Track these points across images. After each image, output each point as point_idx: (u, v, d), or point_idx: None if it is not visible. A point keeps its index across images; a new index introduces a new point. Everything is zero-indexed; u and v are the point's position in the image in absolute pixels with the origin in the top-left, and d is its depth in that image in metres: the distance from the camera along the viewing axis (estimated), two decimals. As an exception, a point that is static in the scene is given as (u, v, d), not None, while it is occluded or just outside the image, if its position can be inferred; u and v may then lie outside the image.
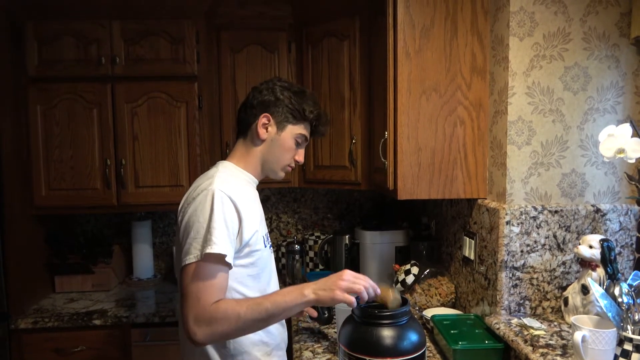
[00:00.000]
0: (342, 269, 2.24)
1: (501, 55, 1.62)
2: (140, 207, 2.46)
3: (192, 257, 1.19)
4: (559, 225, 1.60)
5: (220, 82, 2.48)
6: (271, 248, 1.47)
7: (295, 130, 1.42)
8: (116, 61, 2.31)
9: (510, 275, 1.59)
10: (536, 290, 1.61)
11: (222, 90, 2.48)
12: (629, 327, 1.23)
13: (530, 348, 1.36)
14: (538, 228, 1.59)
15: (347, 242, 2.45)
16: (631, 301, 1.24)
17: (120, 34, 2.31)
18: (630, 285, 1.28)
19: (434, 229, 2.30)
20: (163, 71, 2.34)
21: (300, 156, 1.46)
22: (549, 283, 1.61)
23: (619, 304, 1.27)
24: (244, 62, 2.47)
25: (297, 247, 2.66)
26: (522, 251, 1.59)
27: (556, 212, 1.59)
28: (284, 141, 1.41)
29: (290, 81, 1.52)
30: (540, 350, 1.35)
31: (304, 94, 1.43)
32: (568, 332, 1.47)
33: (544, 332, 1.46)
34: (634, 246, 1.62)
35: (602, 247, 1.44)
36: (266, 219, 1.53)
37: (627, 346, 1.21)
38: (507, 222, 1.57)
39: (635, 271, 1.34)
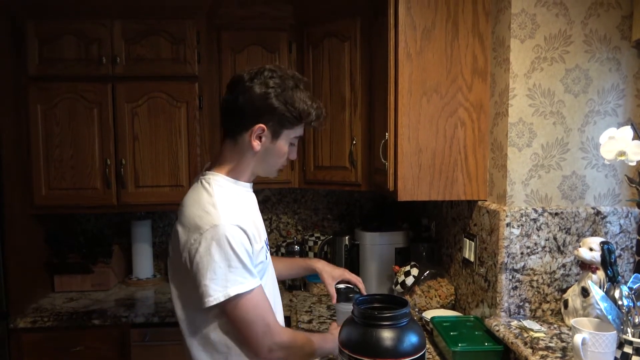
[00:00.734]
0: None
1: (502, 57, 1.62)
2: (140, 206, 2.46)
3: (212, 300, 1.17)
4: (559, 227, 1.59)
5: (221, 83, 2.48)
6: (269, 252, 1.43)
7: (291, 134, 1.32)
8: (117, 61, 2.31)
9: (510, 277, 1.59)
10: (536, 293, 1.61)
11: (223, 90, 2.44)
12: (629, 329, 1.23)
13: (530, 350, 1.36)
14: (538, 230, 1.59)
15: (347, 243, 2.45)
16: (631, 304, 1.24)
17: (121, 33, 2.31)
18: (630, 288, 1.28)
19: (434, 231, 2.30)
20: (164, 71, 2.34)
21: (293, 155, 1.37)
22: (549, 285, 1.61)
23: (619, 307, 1.27)
24: (245, 63, 2.47)
25: (296, 247, 2.66)
26: (522, 253, 1.59)
27: (556, 214, 1.59)
28: (279, 149, 1.31)
29: (282, 69, 1.30)
30: (540, 352, 1.35)
31: (298, 89, 1.28)
32: (568, 334, 1.47)
33: (544, 335, 1.46)
34: (634, 249, 1.62)
35: (602, 249, 1.43)
36: (266, 220, 1.51)
37: (627, 349, 1.20)
38: (508, 224, 1.57)
39: (635, 274, 1.34)
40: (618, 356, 1.22)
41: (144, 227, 2.68)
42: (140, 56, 2.33)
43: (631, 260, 1.62)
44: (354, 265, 2.37)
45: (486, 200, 1.75)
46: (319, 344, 1.35)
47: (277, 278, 1.49)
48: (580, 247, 1.49)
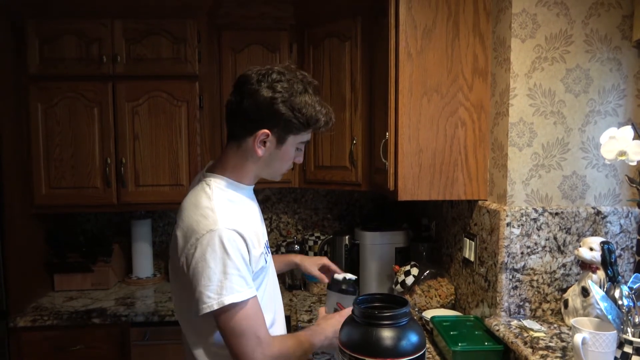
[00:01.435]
0: (342, 269, 2.23)
1: (503, 56, 1.62)
2: (140, 206, 2.46)
3: (206, 307, 1.13)
4: (560, 227, 1.59)
5: (222, 82, 2.48)
6: (269, 254, 1.40)
7: (297, 140, 1.27)
8: (117, 60, 2.31)
9: (511, 277, 1.59)
10: (536, 292, 1.61)
11: (223, 90, 2.48)
12: (629, 329, 1.23)
13: (530, 350, 1.36)
14: (538, 230, 1.59)
15: (347, 242, 2.45)
16: (631, 304, 1.24)
17: (121, 33, 2.31)
18: (630, 288, 1.28)
19: (434, 230, 2.30)
20: (164, 70, 2.34)
21: (299, 158, 1.34)
22: (549, 285, 1.61)
23: (619, 307, 1.27)
24: (246, 62, 2.47)
25: (296, 247, 2.66)
26: (522, 253, 1.59)
27: (557, 214, 1.59)
28: (284, 153, 1.27)
29: (290, 71, 1.24)
30: (540, 352, 1.35)
31: (306, 94, 1.23)
32: (568, 334, 1.47)
33: (544, 334, 1.46)
34: (634, 249, 1.62)
35: (602, 249, 1.43)
36: (266, 219, 1.50)
37: (627, 349, 1.20)
38: (508, 224, 1.57)
39: (635, 274, 1.34)
40: (618, 356, 1.22)
41: (144, 227, 2.68)
42: (140, 55, 2.33)
43: (631, 260, 1.62)
44: (354, 265, 2.36)
45: (486, 200, 1.75)
46: (310, 341, 1.29)
47: None
48: (580, 246, 1.49)
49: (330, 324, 1.33)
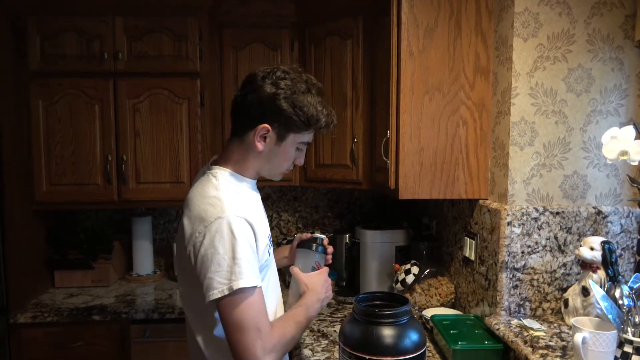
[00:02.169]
0: (342, 268, 2.23)
1: (505, 55, 1.62)
2: (141, 203, 2.45)
3: (217, 293, 1.13)
4: (560, 226, 1.59)
5: (223, 80, 2.48)
6: (272, 248, 1.41)
7: (297, 139, 1.29)
8: (119, 57, 2.31)
9: (511, 276, 1.59)
10: (536, 292, 1.61)
11: (225, 87, 2.48)
12: (629, 329, 1.23)
13: (530, 349, 1.36)
14: (539, 229, 1.59)
15: (347, 241, 2.45)
16: (632, 303, 1.25)
17: (123, 30, 2.31)
18: (631, 288, 1.28)
19: (435, 229, 2.30)
20: (165, 68, 2.34)
21: (300, 160, 1.35)
22: (549, 284, 1.61)
23: (619, 306, 1.27)
24: (247, 60, 2.47)
25: (297, 245, 2.66)
26: (522, 252, 1.59)
27: (557, 213, 1.59)
28: (284, 151, 1.29)
29: (295, 71, 1.27)
30: (540, 351, 1.35)
31: (309, 94, 1.25)
32: (568, 333, 1.47)
33: (544, 333, 1.46)
34: (634, 249, 1.62)
35: (603, 249, 1.44)
36: (267, 217, 1.48)
37: (628, 348, 1.21)
38: (509, 223, 1.57)
39: (636, 274, 1.35)
40: (618, 355, 1.23)
41: (145, 224, 2.69)
42: (142, 53, 2.33)
43: (632, 260, 1.63)
44: (354, 263, 2.37)
45: (487, 199, 1.75)
46: (307, 316, 1.30)
47: None
48: (581, 246, 1.49)
49: (318, 286, 1.36)
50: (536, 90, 1.58)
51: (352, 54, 2.21)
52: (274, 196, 2.86)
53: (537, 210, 1.58)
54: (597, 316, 1.40)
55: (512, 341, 1.44)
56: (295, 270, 1.40)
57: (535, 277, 1.60)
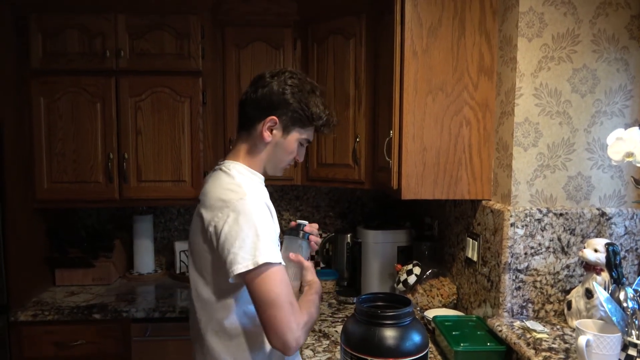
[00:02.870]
0: (343, 268, 2.22)
1: (509, 55, 1.61)
2: (142, 201, 2.45)
3: (241, 267, 1.16)
4: (564, 228, 1.58)
5: (225, 78, 2.47)
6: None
7: (301, 135, 1.37)
8: (121, 55, 2.30)
9: (514, 277, 1.58)
10: (539, 293, 1.60)
11: (227, 86, 2.47)
12: (633, 332, 1.22)
13: (532, 351, 1.36)
14: (542, 231, 1.58)
15: (349, 241, 2.44)
16: (636, 306, 1.24)
17: (125, 27, 2.30)
18: (635, 290, 1.27)
19: (437, 230, 2.29)
20: (167, 66, 2.33)
21: (301, 156, 1.42)
22: (552, 286, 1.60)
23: (623, 309, 1.26)
24: (249, 59, 2.46)
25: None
26: (526, 253, 1.58)
27: (561, 214, 1.58)
28: (288, 145, 1.36)
29: (302, 74, 1.39)
30: (543, 353, 1.34)
31: (314, 94, 1.35)
32: (571, 335, 1.46)
33: (547, 336, 1.45)
34: (639, 251, 1.61)
35: (607, 251, 1.42)
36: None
37: (632, 351, 1.20)
38: (512, 224, 1.56)
39: (640, 276, 1.34)
40: (622, 358, 1.22)
41: (146, 222, 2.68)
42: (144, 51, 2.32)
43: (636, 262, 1.62)
44: (355, 263, 2.36)
45: (490, 200, 1.74)
46: (319, 296, 1.34)
47: None
48: (585, 248, 1.48)
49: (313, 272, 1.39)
50: (540, 91, 1.57)
51: (355, 53, 2.21)
52: (275, 195, 2.85)
53: (540, 211, 1.57)
54: (601, 318, 1.39)
55: (514, 343, 1.43)
56: (300, 258, 1.40)
57: (538, 278, 1.59)
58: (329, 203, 2.88)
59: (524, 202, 1.59)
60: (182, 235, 2.80)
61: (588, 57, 1.56)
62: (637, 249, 1.61)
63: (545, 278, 1.59)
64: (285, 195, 2.86)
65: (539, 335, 1.45)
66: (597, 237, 1.58)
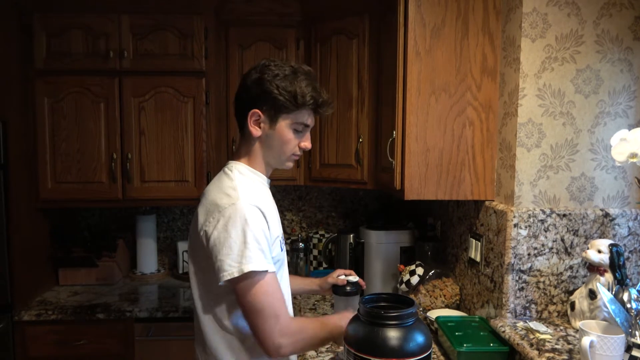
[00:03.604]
0: (346, 268, 2.23)
1: (512, 56, 1.61)
2: (145, 201, 2.46)
3: (227, 275, 1.16)
4: (567, 229, 1.58)
5: (228, 78, 2.47)
6: (284, 247, 1.43)
7: (290, 120, 1.30)
8: (124, 55, 2.31)
9: (517, 278, 1.58)
10: (542, 294, 1.60)
11: (230, 86, 2.47)
12: (637, 333, 1.22)
13: (536, 352, 1.35)
14: (546, 231, 1.58)
15: (351, 241, 2.44)
16: (640, 307, 1.23)
17: (129, 28, 2.31)
18: (639, 291, 1.27)
19: (440, 230, 2.29)
20: (171, 66, 2.34)
21: (306, 142, 1.35)
22: (555, 287, 1.60)
23: (627, 310, 1.26)
24: (253, 59, 2.46)
25: (301, 245, 2.66)
26: (529, 254, 1.58)
27: (564, 215, 1.58)
28: (280, 134, 1.30)
29: (285, 61, 1.36)
30: (547, 354, 1.34)
31: (295, 76, 1.28)
32: (574, 336, 1.46)
33: (550, 336, 1.45)
34: (642, 252, 1.61)
35: (611, 252, 1.42)
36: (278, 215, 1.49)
37: (636, 352, 1.20)
38: (515, 225, 1.56)
39: (644, 277, 1.33)
40: (626, 359, 1.21)
41: (149, 222, 2.69)
42: (147, 51, 2.33)
43: (639, 263, 1.61)
44: (358, 264, 2.36)
45: (493, 201, 1.74)
46: (331, 333, 1.32)
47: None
48: (588, 249, 1.48)
49: (344, 318, 1.35)
50: (544, 92, 1.57)
51: (358, 54, 2.21)
52: (278, 195, 2.85)
53: (543, 212, 1.57)
54: (605, 319, 1.39)
55: (517, 344, 1.43)
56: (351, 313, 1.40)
57: (542, 279, 1.59)
58: (332, 203, 2.88)
59: (527, 202, 1.59)
60: (185, 235, 2.80)
61: (592, 57, 1.56)
62: (640, 250, 1.61)
63: (549, 279, 1.59)
64: (288, 195, 2.86)
65: (542, 336, 1.45)
66: (600, 238, 1.58)
